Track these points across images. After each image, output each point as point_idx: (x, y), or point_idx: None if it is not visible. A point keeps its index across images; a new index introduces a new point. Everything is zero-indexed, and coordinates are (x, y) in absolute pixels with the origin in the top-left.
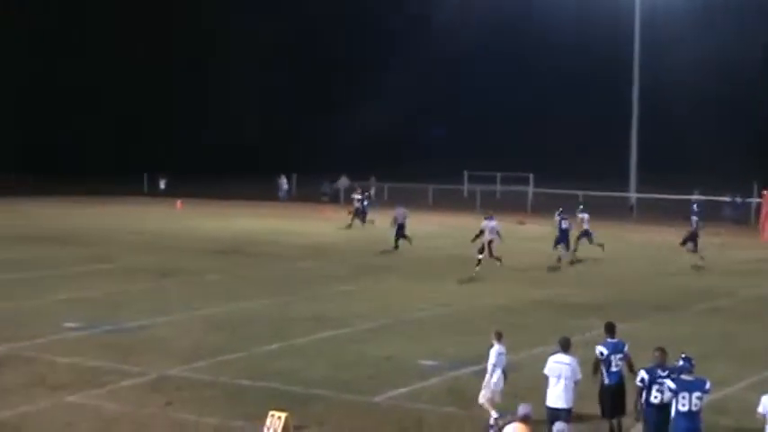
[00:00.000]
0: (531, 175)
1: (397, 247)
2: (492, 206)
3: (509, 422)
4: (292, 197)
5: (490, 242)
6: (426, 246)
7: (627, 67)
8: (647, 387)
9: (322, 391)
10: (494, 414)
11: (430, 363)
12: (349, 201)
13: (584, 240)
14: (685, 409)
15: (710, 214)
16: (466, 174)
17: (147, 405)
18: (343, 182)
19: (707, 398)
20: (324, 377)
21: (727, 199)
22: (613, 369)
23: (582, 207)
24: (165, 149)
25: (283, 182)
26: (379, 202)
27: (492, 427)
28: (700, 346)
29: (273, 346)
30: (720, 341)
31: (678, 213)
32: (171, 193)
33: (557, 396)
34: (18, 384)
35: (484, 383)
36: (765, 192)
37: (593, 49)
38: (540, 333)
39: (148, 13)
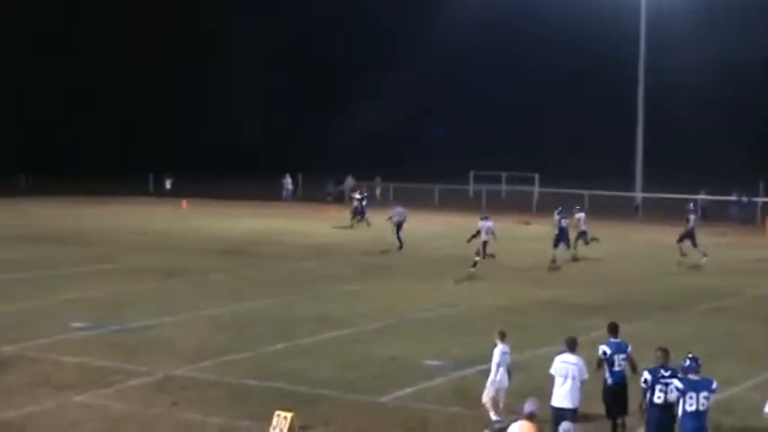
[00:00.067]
0: (537, 175)
1: (401, 246)
2: (497, 206)
3: (514, 420)
4: (296, 197)
5: (485, 243)
6: (432, 246)
7: (628, 67)
8: (651, 387)
9: (328, 391)
10: (492, 416)
11: (435, 363)
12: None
13: (581, 241)
14: (693, 408)
15: (717, 214)
16: (472, 174)
17: (153, 405)
18: (349, 182)
19: (714, 397)
20: (329, 377)
21: (733, 198)
22: (616, 369)
23: (579, 207)
24: (165, 149)
25: (288, 182)
26: (379, 202)
27: (487, 426)
28: (705, 346)
29: (279, 346)
30: (726, 341)
31: (684, 213)
32: (177, 193)
33: (562, 396)
34: (23, 384)
35: (488, 383)
36: None
37: (592, 48)
38: (544, 333)
39: (148, 13)
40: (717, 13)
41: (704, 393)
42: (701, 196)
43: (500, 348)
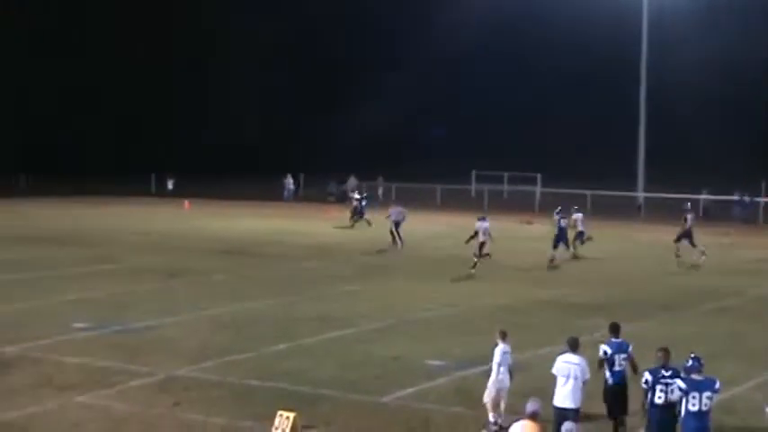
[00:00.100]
0: (539, 175)
1: (398, 243)
2: (499, 206)
3: (516, 420)
4: (298, 197)
5: (483, 243)
6: (433, 246)
7: (629, 67)
8: (652, 388)
9: (330, 391)
10: (490, 417)
11: (437, 363)
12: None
13: (578, 241)
14: (695, 408)
15: (719, 214)
16: (474, 174)
17: (156, 405)
18: (352, 182)
19: (717, 397)
20: (331, 377)
21: (736, 198)
22: (616, 368)
23: (577, 207)
24: (165, 150)
25: (289, 182)
26: (380, 202)
27: (485, 427)
28: (707, 346)
29: (281, 347)
30: (728, 341)
31: (681, 213)
32: (179, 193)
33: (565, 396)
34: (25, 385)
35: (489, 382)
36: None
37: (593, 48)
38: (546, 333)
39: (148, 13)
40: (718, 12)
41: (707, 393)
42: (704, 196)
43: (501, 348)
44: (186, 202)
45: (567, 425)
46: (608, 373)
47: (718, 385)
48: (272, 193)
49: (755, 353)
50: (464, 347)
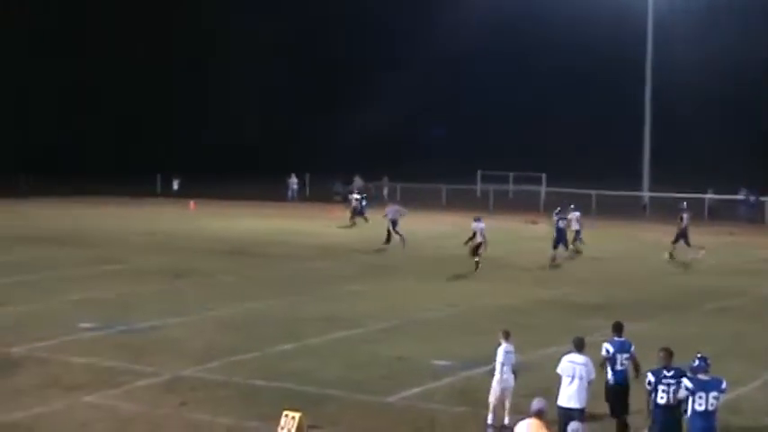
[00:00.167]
0: (544, 175)
1: (401, 237)
2: (505, 206)
3: (521, 419)
4: (303, 197)
5: (480, 244)
6: (438, 246)
7: (632, 68)
8: (654, 388)
9: (335, 391)
10: (489, 419)
11: (442, 363)
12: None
13: (577, 241)
14: (702, 408)
15: (724, 213)
16: (479, 174)
17: (162, 405)
18: (357, 182)
19: (723, 397)
20: (337, 377)
21: (741, 197)
22: (618, 368)
23: (573, 206)
24: (166, 150)
25: (293, 182)
26: (385, 201)
27: (489, 427)
28: (711, 346)
29: (287, 347)
30: (732, 341)
31: (691, 213)
32: (184, 193)
33: (569, 396)
34: (32, 385)
35: (493, 382)
36: None
37: (593, 48)
38: (551, 333)
39: (148, 13)
40: (718, 12)
41: (714, 393)
42: (709, 195)
43: (504, 347)
44: (192, 203)
45: (573, 425)
46: (610, 373)
47: (724, 385)
48: (275, 194)
49: (759, 353)
50: (469, 347)
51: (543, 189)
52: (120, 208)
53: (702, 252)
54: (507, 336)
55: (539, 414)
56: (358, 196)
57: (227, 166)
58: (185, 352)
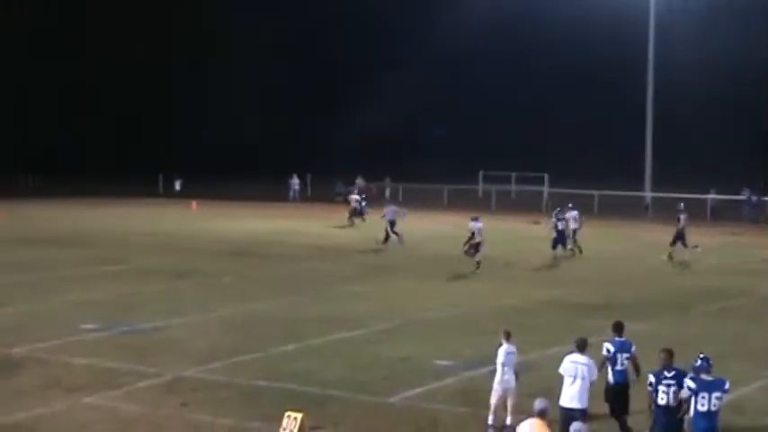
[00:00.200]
0: (546, 175)
1: (398, 237)
2: (507, 206)
3: (524, 419)
4: (305, 198)
5: (478, 243)
6: (440, 246)
7: (632, 68)
8: (655, 389)
9: (338, 391)
10: (490, 420)
11: (445, 363)
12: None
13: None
14: (704, 409)
15: (728, 214)
16: (481, 174)
17: (163, 406)
18: (359, 183)
19: (726, 398)
20: (339, 378)
21: (743, 197)
22: (618, 368)
23: (571, 205)
24: (166, 150)
25: (295, 182)
26: (376, 202)
27: (489, 428)
28: (713, 346)
29: (289, 347)
30: (733, 341)
31: (693, 213)
32: (186, 194)
33: (572, 396)
34: (33, 386)
35: (495, 383)
36: None
37: (594, 48)
38: (553, 333)
39: (148, 13)
40: (718, 12)
41: (717, 394)
42: (711, 195)
43: (505, 348)
44: (194, 203)
45: (575, 425)
46: (610, 372)
47: (727, 386)
48: (277, 194)
49: (761, 353)
50: (472, 348)
51: (546, 189)
52: (121, 208)
53: (698, 249)
54: (508, 336)
55: (541, 414)
56: (358, 197)
57: (227, 167)
58: (187, 353)
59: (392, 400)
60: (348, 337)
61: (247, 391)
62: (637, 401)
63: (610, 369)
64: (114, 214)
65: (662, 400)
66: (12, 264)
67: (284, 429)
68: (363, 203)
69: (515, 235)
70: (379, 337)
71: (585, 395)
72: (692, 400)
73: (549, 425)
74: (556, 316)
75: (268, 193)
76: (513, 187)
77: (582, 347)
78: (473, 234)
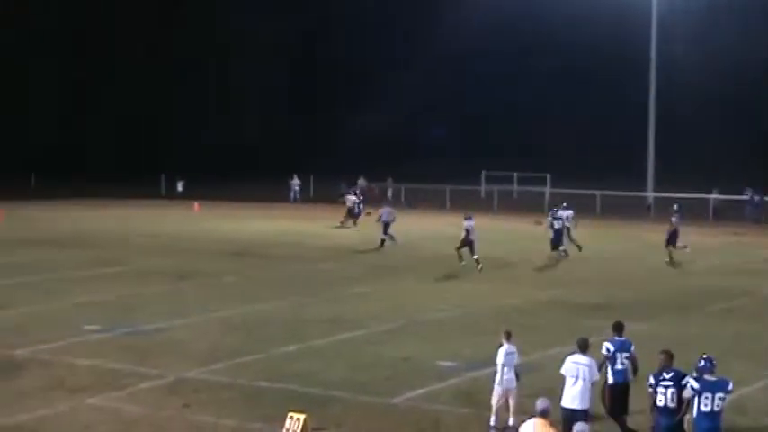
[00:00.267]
0: (548, 176)
1: (382, 244)
2: (509, 206)
3: (527, 419)
4: (307, 198)
5: (472, 242)
6: (441, 246)
7: (629, 65)
8: (654, 391)
9: (340, 392)
10: (491, 421)
11: (447, 364)
12: (342, 201)
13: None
14: (707, 409)
15: (730, 214)
16: (483, 174)
17: (166, 407)
18: (361, 183)
19: (729, 398)
20: (342, 379)
21: (746, 197)
22: (618, 367)
23: (565, 204)
24: (166, 150)
25: (295, 183)
26: (389, 201)
27: (491, 428)
28: (714, 346)
29: (291, 348)
30: (737, 341)
31: (696, 213)
32: (188, 195)
33: (573, 396)
34: (36, 387)
35: (495, 384)
36: None
37: (595, 47)
38: (555, 333)
39: (148, 13)
40: (718, 12)
41: (720, 394)
42: (714, 195)
43: (505, 348)
44: (196, 204)
45: (579, 425)
46: (610, 372)
47: (730, 386)
48: (278, 195)
49: (762, 353)
50: (474, 348)
51: (548, 190)
52: (123, 209)
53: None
54: (509, 336)
55: (543, 414)
56: (356, 198)
57: (227, 167)
58: (189, 354)
59: (394, 400)
60: (350, 337)
61: (250, 391)
62: (636, 401)
63: (609, 368)
64: (116, 215)
65: (660, 401)
66: (13, 265)
67: (287, 430)
68: (361, 206)
69: (517, 235)
70: (380, 338)
71: (587, 395)
72: (695, 400)
73: (552, 424)
74: (557, 316)
75: (269, 194)
76: (516, 187)
77: (583, 348)
78: (468, 232)
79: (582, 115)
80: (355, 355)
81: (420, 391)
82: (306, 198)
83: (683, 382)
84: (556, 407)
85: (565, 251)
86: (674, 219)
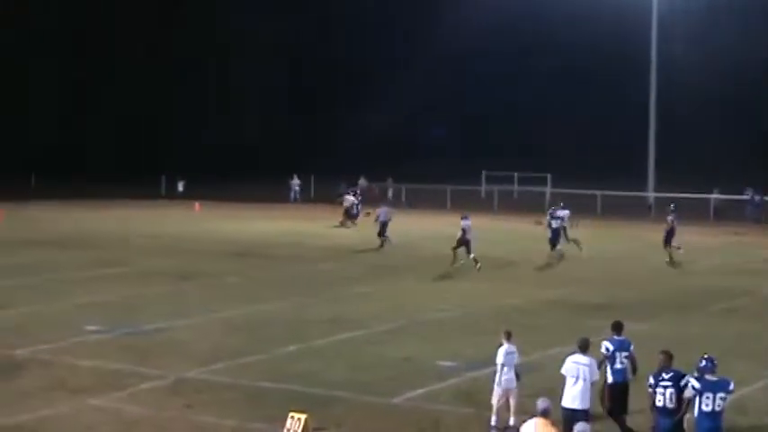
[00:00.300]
0: (549, 176)
1: (382, 245)
2: (509, 206)
3: (528, 418)
4: (308, 199)
5: (468, 241)
6: (441, 246)
7: (629, 65)
8: (654, 391)
9: (341, 392)
10: (492, 421)
11: (448, 364)
12: (340, 202)
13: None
14: (708, 409)
15: (730, 214)
16: (483, 174)
17: (167, 408)
18: (362, 183)
19: (730, 398)
20: (343, 379)
21: (746, 197)
22: (617, 366)
23: (563, 204)
24: (166, 150)
25: (295, 183)
26: (391, 202)
27: (492, 428)
28: (715, 346)
29: (292, 348)
30: (737, 341)
31: (697, 213)
32: (189, 195)
33: (574, 396)
34: (38, 388)
35: (495, 384)
36: None
37: (595, 47)
38: (555, 333)
39: (148, 13)
40: (719, 12)
41: (721, 394)
42: (714, 195)
43: (505, 348)
44: (197, 204)
45: (580, 425)
46: (609, 371)
47: (732, 386)
48: (278, 195)
49: (763, 353)
50: (475, 348)
51: (548, 190)
52: (124, 210)
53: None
54: (509, 336)
55: (544, 413)
56: (354, 199)
57: (227, 167)
58: (191, 354)
59: (395, 400)
60: (351, 337)
61: (251, 392)
62: (636, 401)
63: (609, 368)
64: (116, 216)
65: (659, 401)
66: (14, 266)
67: (288, 430)
68: (358, 206)
69: (517, 235)
70: (381, 338)
71: (587, 396)
72: (697, 400)
73: (554, 424)
74: (558, 316)
75: (270, 194)
76: (516, 187)
77: (584, 348)
78: (464, 231)
79: (582, 115)
80: (356, 356)
81: (420, 391)
82: (306, 198)
83: (683, 382)
84: (556, 407)
85: (560, 250)
86: (669, 218)
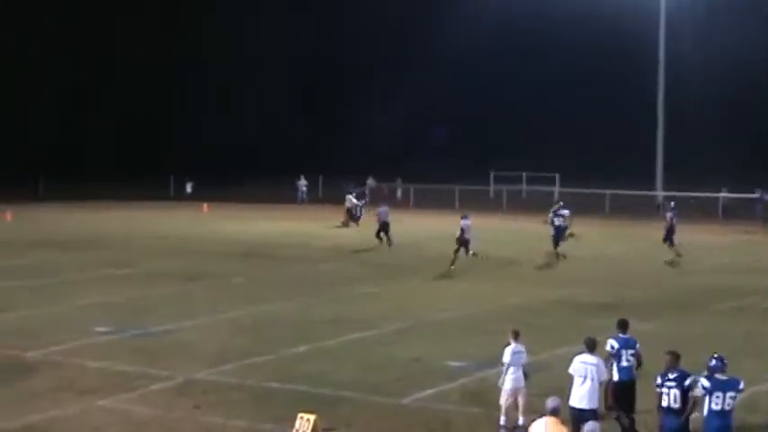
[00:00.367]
0: (557, 175)
1: (390, 243)
2: (518, 206)
3: (538, 417)
4: (316, 199)
5: (467, 241)
6: (449, 246)
7: (636, 65)
8: (660, 391)
9: (350, 393)
10: (501, 420)
11: (457, 364)
12: (343, 201)
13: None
14: (718, 408)
15: (740, 213)
16: (492, 174)
17: (176, 409)
18: (371, 183)
19: (740, 397)
20: (352, 379)
21: (756, 195)
22: (623, 364)
23: (562, 204)
24: (165, 151)
25: (302, 183)
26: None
27: (501, 428)
28: (724, 345)
29: (300, 349)
30: (747, 339)
31: (706, 211)
32: (197, 196)
33: (581, 396)
34: (47, 389)
35: (502, 383)
36: None
37: (601, 46)
38: (563, 333)
39: (148, 13)
40: (718, 12)
41: (731, 393)
42: (723, 194)
43: (512, 348)
44: (205, 206)
45: (589, 425)
46: (615, 369)
47: (742, 385)
48: (286, 196)
49: None
50: (484, 348)
51: (557, 189)
52: (131, 211)
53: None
54: (517, 336)
55: (554, 412)
56: (356, 201)
57: (227, 167)
58: (198, 355)
59: (404, 401)
60: (359, 338)
61: (259, 392)
62: (642, 401)
63: (615, 366)
64: (123, 217)
65: (665, 401)
66: (21, 267)
67: (297, 431)
68: (361, 208)
69: (526, 235)
70: (390, 338)
71: (596, 395)
72: (706, 399)
73: (564, 422)
74: (565, 316)
75: (276, 195)
76: (524, 187)
77: (591, 348)
78: (462, 231)
79: (590, 115)
80: (365, 356)
81: (430, 391)
82: (314, 198)
83: (688, 382)
84: (565, 406)
85: (563, 252)
86: (669, 215)
